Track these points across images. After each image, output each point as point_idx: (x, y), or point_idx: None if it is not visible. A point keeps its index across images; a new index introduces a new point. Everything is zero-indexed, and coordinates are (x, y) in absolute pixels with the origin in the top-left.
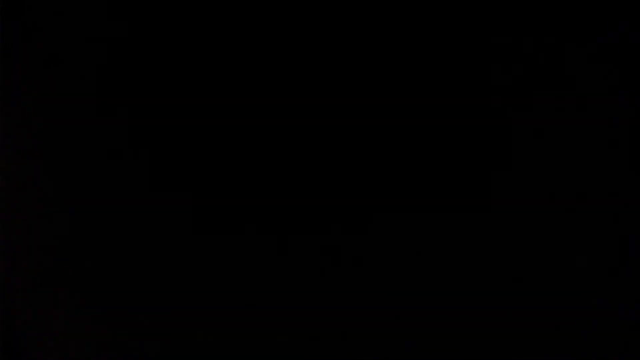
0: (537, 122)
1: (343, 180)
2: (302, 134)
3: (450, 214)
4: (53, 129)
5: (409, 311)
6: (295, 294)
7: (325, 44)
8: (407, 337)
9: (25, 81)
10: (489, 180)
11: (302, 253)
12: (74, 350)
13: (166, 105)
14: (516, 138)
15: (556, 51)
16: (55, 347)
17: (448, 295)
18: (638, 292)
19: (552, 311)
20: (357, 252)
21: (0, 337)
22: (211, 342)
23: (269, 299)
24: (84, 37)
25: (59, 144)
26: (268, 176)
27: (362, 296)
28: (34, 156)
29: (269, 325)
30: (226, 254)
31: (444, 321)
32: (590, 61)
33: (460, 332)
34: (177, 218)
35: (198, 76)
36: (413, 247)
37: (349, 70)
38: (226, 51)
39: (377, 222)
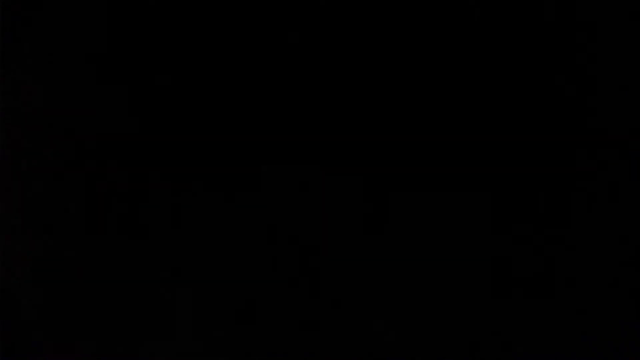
0: None
1: None
2: None
3: None
4: (53, 129)
5: None
6: None
7: None
8: None
9: (26, 78)
10: None
11: None
12: (74, 350)
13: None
14: None
15: None
16: (55, 346)
17: None
18: None
19: None
20: None
21: (0, 336)
22: None
23: None
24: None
25: (58, 143)
26: None
27: None
28: (34, 157)
29: None
30: None
31: None
32: None
33: None
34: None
35: None
36: None
37: None
38: None
39: None
